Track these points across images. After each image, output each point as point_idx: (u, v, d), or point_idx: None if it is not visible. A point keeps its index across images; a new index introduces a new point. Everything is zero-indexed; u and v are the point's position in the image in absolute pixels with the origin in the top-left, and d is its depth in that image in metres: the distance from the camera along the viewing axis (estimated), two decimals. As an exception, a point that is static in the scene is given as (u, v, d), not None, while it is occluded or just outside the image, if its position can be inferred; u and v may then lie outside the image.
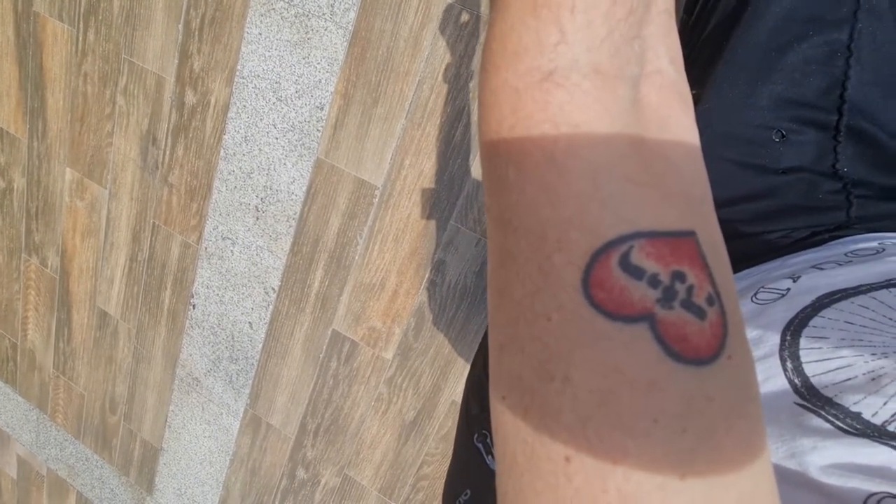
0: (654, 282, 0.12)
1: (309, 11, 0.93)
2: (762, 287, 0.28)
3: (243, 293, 1.18)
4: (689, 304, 0.13)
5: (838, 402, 0.21)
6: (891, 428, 0.20)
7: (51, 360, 1.56)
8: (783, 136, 0.32)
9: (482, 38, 0.86)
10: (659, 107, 0.15)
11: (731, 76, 0.33)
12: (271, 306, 1.16)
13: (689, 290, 0.13)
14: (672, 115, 0.15)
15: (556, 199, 0.13)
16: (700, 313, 0.13)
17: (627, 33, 0.14)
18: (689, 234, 0.13)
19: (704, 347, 0.13)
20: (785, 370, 0.23)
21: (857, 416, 0.20)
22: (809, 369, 0.23)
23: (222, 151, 1.08)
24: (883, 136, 0.30)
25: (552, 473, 0.12)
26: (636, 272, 0.12)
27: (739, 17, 0.33)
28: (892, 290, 0.24)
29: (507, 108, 0.14)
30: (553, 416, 0.12)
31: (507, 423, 0.14)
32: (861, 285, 0.25)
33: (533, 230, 0.13)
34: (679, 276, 0.13)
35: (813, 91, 0.31)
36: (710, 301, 0.13)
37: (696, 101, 0.33)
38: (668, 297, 0.12)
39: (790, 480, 0.21)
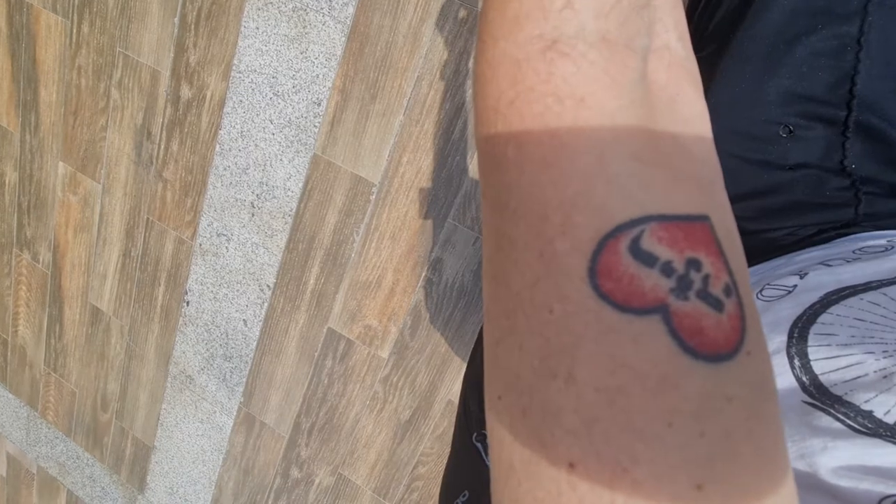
0: (667, 270, 0.11)
1: (307, 6, 0.92)
2: (768, 284, 0.27)
3: (238, 290, 1.17)
4: (705, 295, 0.12)
5: (848, 400, 0.21)
6: None
7: (42, 357, 1.54)
8: (790, 131, 0.31)
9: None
10: (667, 85, 0.14)
11: (737, 70, 0.32)
12: (266, 304, 1.14)
13: (705, 279, 0.12)
14: (681, 93, 0.14)
15: (558, 179, 0.12)
16: (717, 305, 0.12)
17: (636, 1, 0.13)
18: (704, 219, 0.12)
19: (723, 342, 0.12)
20: (793, 368, 0.23)
21: (869, 414, 0.20)
22: (818, 367, 0.22)
23: (218, 147, 1.07)
24: (893, 131, 0.29)
25: (554, 481, 0.11)
26: (648, 259, 0.11)
27: (746, 9, 0.32)
28: None
29: (506, 82, 0.13)
30: (555, 417, 0.11)
31: (503, 426, 0.13)
32: (871, 282, 0.24)
33: (534, 212, 0.12)
34: (694, 264, 0.12)
35: (821, 85, 0.30)
36: (727, 291, 0.12)
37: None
38: (682, 287, 0.11)
39: (800, 482, 0.21)
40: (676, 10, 0.14)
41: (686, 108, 0.14)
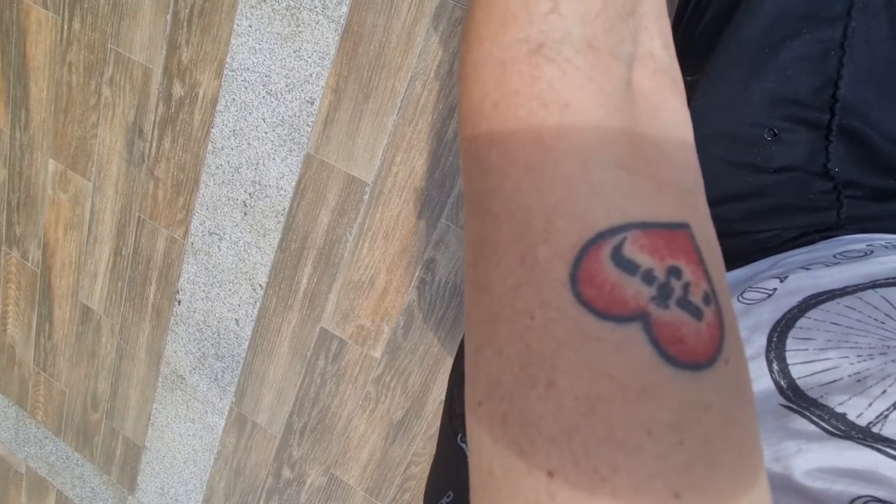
0: (648, 278, 0.11)
1: (300, 4, 0.91)
2: (749, 286, 0.28)
3: (230, 289, 1.16)
4: (685, 303, 0.12)
5: (823, 403, 0.21)
6: (875, 429, 0.19)
7: (31, 356, 1.53)
8: (775, 134, 0.31)
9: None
10: (651, 93, 0.14)
11: (723, 73, 0.32)
12: (258, 303, 1.14)
13: (686, 287, 0.12)
14: (664, 101, 0.14)
15: (542, 184, 0.12)
16: (697, 313, 0.12)
17: (623, 8, 0.13)
18: (684, 227, 0.12)
19: (702, 350, 0.12)
20: (771, 371, 0.23)
21: (842, 416, 0.20)
22: (795, 371, 0.22)
23: (210, 145, 1.07)
24: (875, 136, 0.30)
25: (533, 490, 0.11)
26: (629, 267, 0.11)
27: (733, 13, 0.32)
28: (877, 290, 0.23)
29: (490, 84, 0.13)
30: (535, 425, 0.11)
31: (483, 433, 0.12)
32: (847, 286, 0.24)
33: (516, 218, 0.12)
34: (675, 272, 0.12)
35: (806, 89, 0.31)
36: (706, 300, 0.12)
37: (690, 87, 0.33)
38: (663, 295, 0.11)
39: (774, 484, 0.21)
40: (661, 18, 0.14)
41: (669, 116, 0.14)
